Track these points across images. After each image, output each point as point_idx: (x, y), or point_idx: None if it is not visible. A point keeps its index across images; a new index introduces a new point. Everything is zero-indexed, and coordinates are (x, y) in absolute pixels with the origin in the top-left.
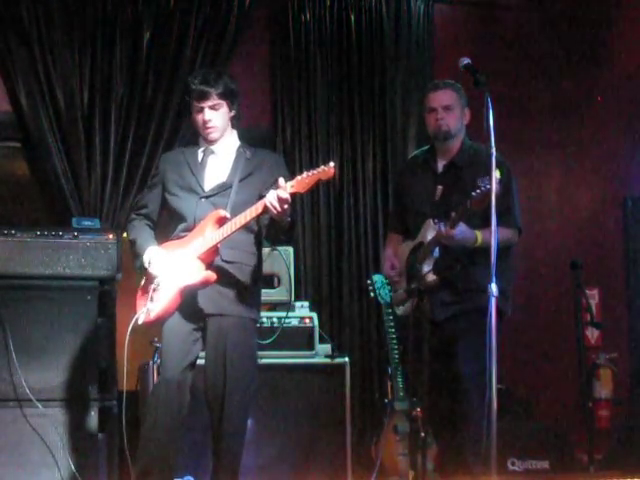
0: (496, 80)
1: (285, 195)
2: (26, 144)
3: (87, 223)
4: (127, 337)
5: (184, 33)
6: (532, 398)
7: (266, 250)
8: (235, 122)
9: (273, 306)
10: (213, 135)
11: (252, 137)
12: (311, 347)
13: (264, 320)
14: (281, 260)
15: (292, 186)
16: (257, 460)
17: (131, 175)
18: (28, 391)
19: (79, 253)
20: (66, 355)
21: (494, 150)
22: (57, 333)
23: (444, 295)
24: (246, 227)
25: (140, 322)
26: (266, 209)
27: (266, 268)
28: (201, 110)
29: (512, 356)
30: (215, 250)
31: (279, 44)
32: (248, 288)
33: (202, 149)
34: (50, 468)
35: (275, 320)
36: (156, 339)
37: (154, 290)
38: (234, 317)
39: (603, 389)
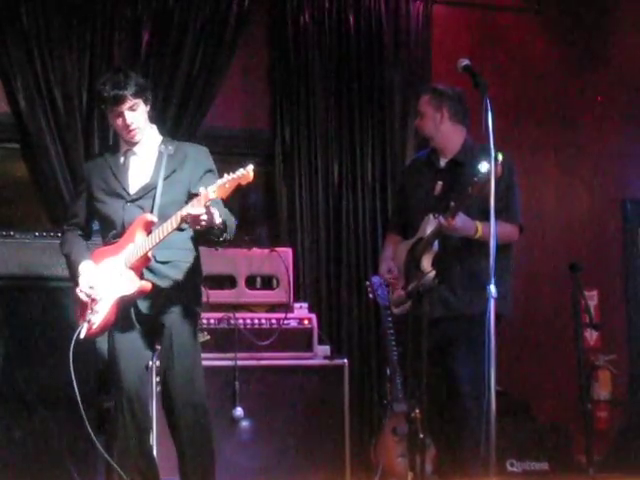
0: (494, 81)
1: (197, 212)
2: (25, 145)
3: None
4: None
5: (183, 34)
6: (531, 399)
7: (265, 251)
8: (152, 115)
9: (272, 307)
10: (137, 137)
11: (250, 139)
12: (310, 348)
13: (263, 321)
14: (280, 261)
15: (214, 192)
16: (255, 462)
17: None
18: (26, 392)
19: None
20: (64, 356)
21: (493, 147)
22: (56, 334)
23: (443, 294)
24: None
25: (82, 336)
26: (184, 220)
27: (265, 269)
28: (120, 114)
29: (511, 357)
30: (146, 257)
31: (278, 45)
32: (186, 284)
33: (123, 151)
34: (50, 469)
35: (274, 321)
36: None
37: (93, 302)
38: (178, 314)
39: (602, 390)
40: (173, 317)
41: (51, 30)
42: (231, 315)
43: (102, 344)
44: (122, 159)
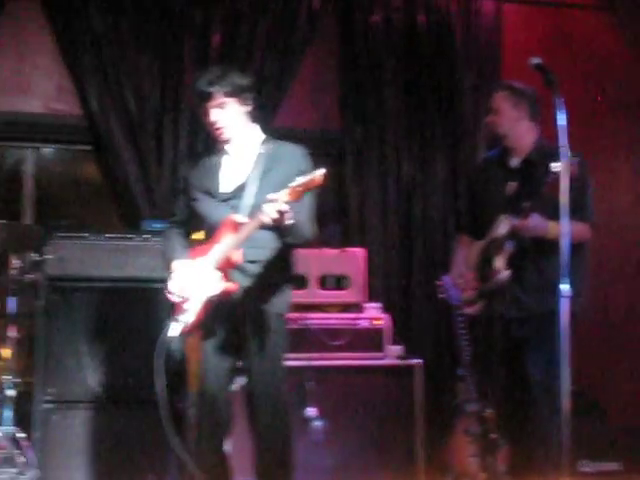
0: (565, 79)
1: (273, 215)
2: (97, 147)
3: (157, 226)
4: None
5: (253, 35)
6: (604, 399)
7: (337, 251)
8: (255, 115)
9: (344, 307)
10: (224, 136)
11: (321, 139)
12: (381, 349)
13: (335, 321)
14: (352, 261)
15: (286, 195)
16: (327, 462)
17: None
18: (100, 393)
19: (149, 255)
20: (137, 357)
21: (565, 146)
22: (128, 335)
23: (516, 293)
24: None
25: (170, 334)
26: (262, 221)
27: (337, 269)
28: (207, 111)
29: (585, 357)
30: (230, 258)
31: (348, 45)
32: (276, 284)
33: (219, 150)
34: (122, 469)
35: (345, 322)
36: None
37: (183, 302)
38: (262, 315)
39: None
40: (254, 319)
41: (122, 33)
42: (303, 315)
43: (175, 344)
44: (216, 159)
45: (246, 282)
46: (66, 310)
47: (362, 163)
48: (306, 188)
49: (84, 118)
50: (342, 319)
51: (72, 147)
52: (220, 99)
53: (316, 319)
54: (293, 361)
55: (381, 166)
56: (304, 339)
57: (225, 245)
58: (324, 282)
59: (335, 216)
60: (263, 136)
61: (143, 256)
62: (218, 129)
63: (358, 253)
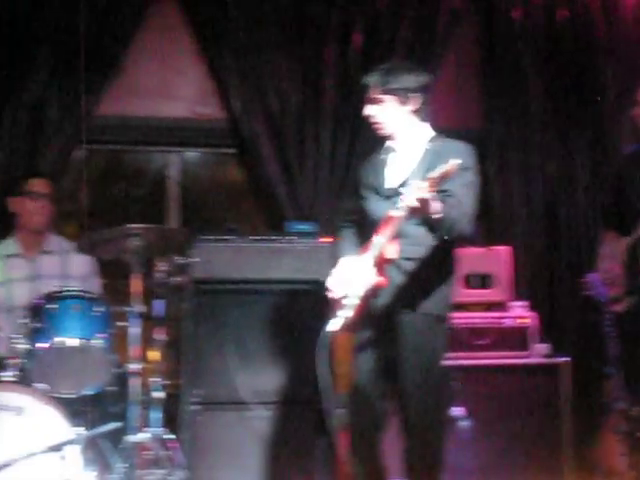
0: None
1: (413, 204)
2: (240, 150)
3: (301, 227)
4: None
5: (393, 35)
6: None
7: (481, 250)
8: (423, 113)
9: (488, 306)
10: (382, 131)
11: (463, 138)
12: (527, 347)
13: (480, 320)
14: (496, 260)
15: (424, 185)
16: (474, 462)
17: (345, 178)
18: (247, 394)
19: (294, 257)
20: (283, 358)
21: None
22: (274, 337)
23: None
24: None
25: (332, 330)
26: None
27: (481, 268)
28: (365, 103)
29: None
30: (383, 254)
31: (488, 43)
32: (431, 283)
33: (386, 147)
34: (270, 471)
35: (491, 320)
36: None
37: (344, 299)
38: (414, 314)
39: None
40: (407, 318)
41: (264, 35)
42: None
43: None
44: (383, 156)
45: (400, 279)
46: (212, 312)
47: (505, 161)
48: (442, 177)
49: (227, 121)
50: (487, 318)
51: (216, 150)
52: (376, 95)
53: (461, 318)
54: None
55: (524, 163)
56: (450, 338)
57: (381, 240)
58: (469, 281)
59: (479, 215)
60: (432, 133)
61: (288, 258)
62: (375, 123)
63: (503, 251)
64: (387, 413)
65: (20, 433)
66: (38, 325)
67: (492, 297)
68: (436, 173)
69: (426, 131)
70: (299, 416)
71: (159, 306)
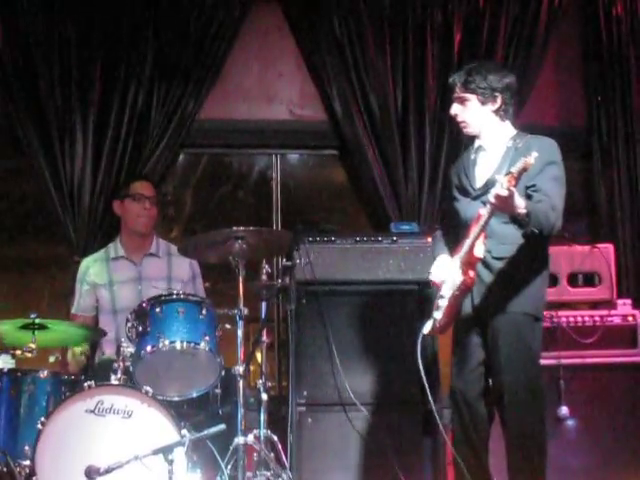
0: None
1: (494, 201)
2: (342, 151)
3: (405, 227)
4: (418, 344)
5: (494, 33)
6: None
7: (586, 248)
8: (506, 114)
9: (594, 304)
10: (466, 130)
11: (566, 136)
12: (635, 345)
13: (586, 319)
14: (601, 257)
15: (504, 180)
16: (581, 461)
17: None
18: (352, 395)
19: (398, 257)
20: (388, 359)
21: None
22: (378, 337)
23: None
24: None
25: (425, 332)
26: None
27: (586, 266)
28: (451, 103)
29: None
30: (471, 252)
31: (591, 39)
32: (522, 282)
33: (475, 147)
34: (376, 471)
35: (597, 319)
36: None
37: (438, 299)
38: (508, 314)
39: None
40: (500, 318)
41: (364, 36)
42: (554, 313)
43: (424, 343)
44: (473, 155)
45: (490, 279)
46: (317, 314)
47: (609, 158)
48: (522, 172)
49: (329, 122)
50: (593, 316)
51: (318, 152)
52: (460, 94)
53: (567, 317)
54: (545, 359)
55: (629, 161)
56: (555, 337)
57: (470, 239)
58: (574, 279)
59: (583, 212)
60: (514, 131)
61: (392, 258)
62: (459, 123)
63: (607, 249)
64: (487, 414)
65: (127, 436)
66: (144, 328)
67: (597, 295)
68: (515, 167)
69: (508, 129)
70: (405, 416)
71: (264, 308)
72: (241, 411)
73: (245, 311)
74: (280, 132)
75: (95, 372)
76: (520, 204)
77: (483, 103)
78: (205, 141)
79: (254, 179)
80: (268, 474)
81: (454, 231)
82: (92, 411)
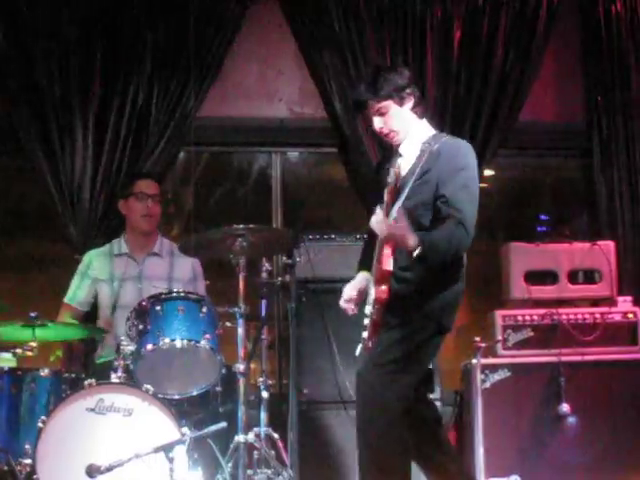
0: None
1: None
2: (342, 149)
3: None
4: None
5: (494, 30)
6: None
7: (587, 245)
8: (420, 111)
9: (594, 302)
10: (396, 140)
11: (566, 132)
12: (635, 342)
13: (586, 316)
14: (602, 255)
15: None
16: (581, 459)
17: None
18: (352, 393)
19: None
20: None
21: None
22: None
23: None
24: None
25: (357, 354)
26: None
27: (586, 263)
28: (371, 120)
29: None
30: (379, 265)
31: (590, 36)
32: (426, 288)
33: (394, 153)
34: None
35: (597, 316)
36: (478, 339)
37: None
38: (397, 322)
39: None
40: (391, 327)
41: (363, 34)
42: (554, 311)
43: None
44: (392, 162)
45: (395, 288)
46: (317, 312)
47: (609, 155)
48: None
49: (329, 120)
50: (593, 313)
51: (318, 150)
52: (376, 106)
53: (567, 314)
54: (545, 357)
55: (629, 158)
56: (556, 335)
57: (377, 253)
58: (574, 276)
59: (583, 209)
60: (431, 132)
61: None
62: (387, 135)
63: (608, 246)
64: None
65: (128, 434)
66: (144, 327)
67: (598, 292)
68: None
69: (425, 130)
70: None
71: (264, 306)
72: (242, 409)
73: (246, 309)
74: (280, 130)
75: (95, 371)
76: (410, 244)
77: (401, 104)
78: (205, 139)
79: (254, 177)
80: (269, 472)
81: (374, 242)
82: (93, 409)
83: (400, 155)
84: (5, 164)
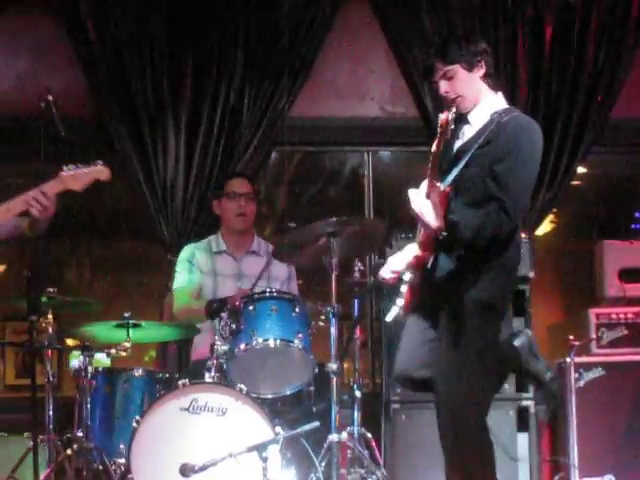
0: None
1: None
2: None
3: None
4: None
5: (586, 27)
6: None
7: (637, 244)
8: (495, 85)
9: None
10: (464, 105)
11: None
12: None
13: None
14: None
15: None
16: None
17: (540, 173)
18: None
19: None
20: None
21: None
22: None
23: None
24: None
25: (388, 319)
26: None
27: (636, 262)
28: (437, 85)
29: None
30: (424, 229)
31: None
32: (475, 268)
33: (460, 118)
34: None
35: None
36: (572, 337)
37: (401, 286)
38: (453, 303)
39: None
40: (447, 306)
41: (455, 28)
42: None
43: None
44: (459, 128)
45: (447, 264)
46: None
47: None
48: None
49: (420, 119)
50: None
51: (410, 149)
52: (443, 69)
53: (618, 313)
54: (633, 356)
55: None
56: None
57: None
58: (624, 275)
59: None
60: (505, 106)
61: None
62: (453, 100)
63: None
64: None
65: (222, 433)
66: (237, 326)
67: None
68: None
69: (499, 102)
70: (498, 413)
71: (357, 306)
72: (335, 408)
73: (339, 308)
74: (372, 129)
75: (189, 370)
76: (439, 226)
77: (469, 70)
78: (297, 139)
79: (346, 176)
80: (362, 471)
81: None
82: (186, 409)
83: (468, 122)
84: None
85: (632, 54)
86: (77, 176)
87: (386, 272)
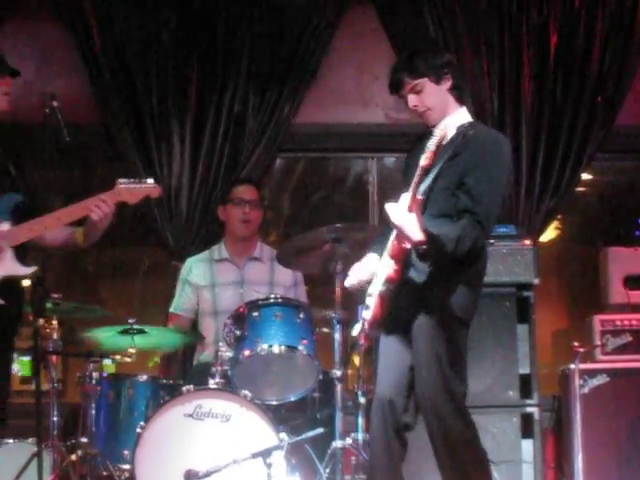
0: None
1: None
2: None
3: (503, 230)
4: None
5: (591, 32)
6: None
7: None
8: (461, 98)
9: None
10: (432, 117)
11: None
12: None
13: None
14: None
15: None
16: None
17: (545, 179)
18: None
19: (496, 260)
20: (487, 362)
21: None
22: (477, 340)
23: None
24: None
25: (354, 334)
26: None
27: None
28: (407, 100)
29: None
30: (397, 243)
31: None
32: (440, 283)
33: (428, 134)
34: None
35: None
36: (576, 344)
37: (367, 298)
38: (423, 315)
39: None
40: (420, 319)
41: (460, 39)
42: None
43: None
44: (425, 142)
45: (411, 275)
46: None
47: None
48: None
49: (424, 126)
50: None
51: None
52: (411, 83)
53: (623, 320)
54: (637, 363)
55: None
56: None
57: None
58: (628, 282)
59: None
60: (469, 119)
61: (490, 261)
62: (422, 114)
63: None
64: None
65: (226, 440)
66: (242, 333)
67: None
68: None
69: (463, 116)
70: (503, 420)
71: (360, 312)
72: (339, 415)
73: (342, 314)
74: (376, 135)
75: (192, 375)
76: (418, 238)
77: (437, 82)
78: (301, 145)
79: (350, 183)
80: (366, 478)
81: None
82: (191, 415)
83: (435, 136)
84: (103, 171)
85: (637, 60)
86: (132, 190)
87: (350, 282)
